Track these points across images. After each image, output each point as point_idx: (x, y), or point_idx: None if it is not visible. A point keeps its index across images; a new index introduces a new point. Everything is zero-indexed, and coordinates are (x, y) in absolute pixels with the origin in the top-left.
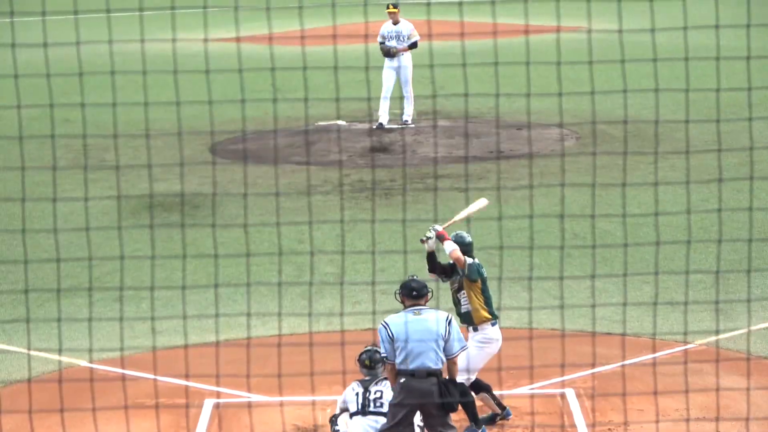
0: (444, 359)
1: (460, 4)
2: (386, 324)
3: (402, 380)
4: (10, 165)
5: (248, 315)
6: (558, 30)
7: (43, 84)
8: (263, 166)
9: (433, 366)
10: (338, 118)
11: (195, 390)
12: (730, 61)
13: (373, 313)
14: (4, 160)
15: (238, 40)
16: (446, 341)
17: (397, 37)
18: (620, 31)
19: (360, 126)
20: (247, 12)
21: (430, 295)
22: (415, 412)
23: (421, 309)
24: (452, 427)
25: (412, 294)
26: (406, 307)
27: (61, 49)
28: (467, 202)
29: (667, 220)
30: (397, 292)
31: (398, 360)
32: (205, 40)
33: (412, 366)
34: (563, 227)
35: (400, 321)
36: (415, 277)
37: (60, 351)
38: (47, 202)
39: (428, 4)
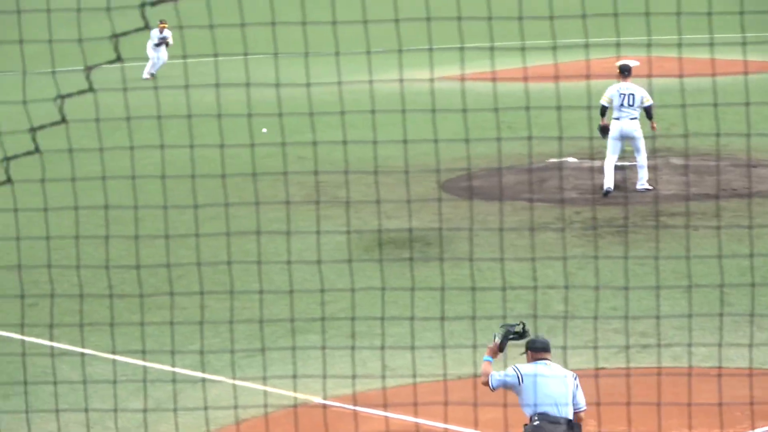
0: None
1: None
2: (517, 370)
3: (536, 422)
4: (246, 200)
5: (474, 347)
6: None
7: (275, 122)
8: (492, 203)
9: (560, 415)
10: (568, 155)
11: (426, 428)
12: None
13: (595, 347)
14: (239, 196)
15: (462, 78)
16: (574, 396)
17: (628, 102)
18: None
19: (591, 163)
20: (472, 51)
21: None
22: None
23: (548, 362)
24: None
25: (540, 348)
26: (531, 359)
27: (293, 89)
28: (688, 241)
29: None
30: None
31: (528, 404)
32: (431, 80)
33: (551, 413)
34: None
35: (531, 371)
36: (543, 337)
37: (294, 387)
38: (281, 237)
39: (679, 45)
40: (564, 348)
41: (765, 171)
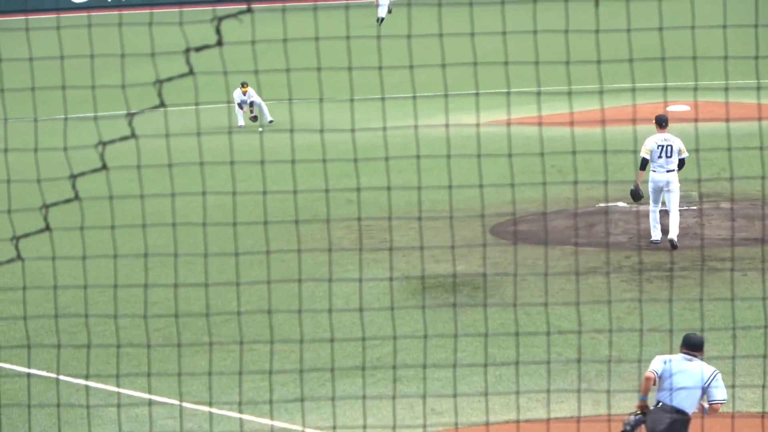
0: (699, 405)
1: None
2: (662, 360)
3: (652, 410)
4: (290, 247)
5: (517, 393)
6: None
7: (319, 168)
8: (538, 247)
9: (681, 407)
10: (617, 200)
11: None
12: None
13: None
14: (288, 242)
15: (508, 122)
16: (707, 388)
17: (666, 153)
18: None
19: (640, 207)
20: (518, 95)
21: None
22: None
23: (692, 358)
24: None
25: (690, 344)
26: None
27: (337, 135)
28: (733, 285)
29: None
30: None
31: (659, 393)
32: (477, 125)
33: (665, 401)
34: None
35: (676, 360)
36: (699, 335)
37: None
38: (324, 283)
39: (726, 89)
40: (608, 392)
41: None
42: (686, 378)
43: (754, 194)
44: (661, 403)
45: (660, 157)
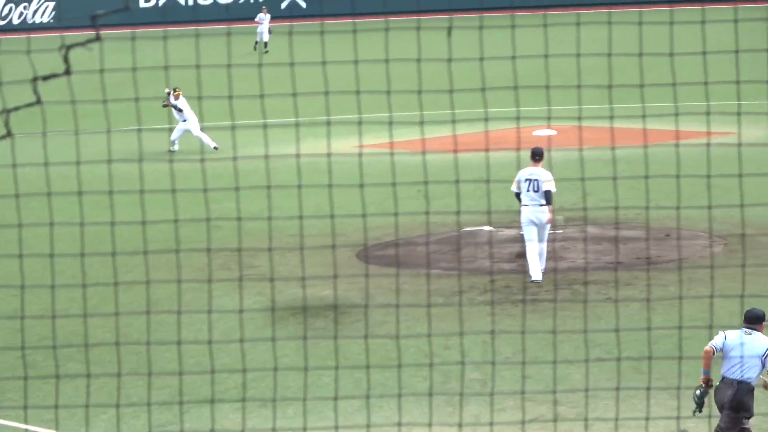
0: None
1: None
2: (725, 334)
3: (717, 385)
4: (168, 278)
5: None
6: (708, 135)
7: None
8: (412, 272)
9: (742, 378)
10: (485, 224)
11: None
12: None
13: (522, 422)
14: (164, 271)
15: (359, 148)
16: (765, 359)
17: (533, 188)
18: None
19: (508, 232)
20: (368, 124)
21: (765, 324)
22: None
23: (753, 331)
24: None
25: (749, 318)
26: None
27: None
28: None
29: None
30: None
31: (723, 367)
32: (361, 153)
33: (727, 374)
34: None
35: (735, 335)
36: (760, 309)
37: None
38: (203, 314)
39: (611, 118)
40: (480, 420)
41: (682, 240)
42: (746, 350)
43: (620, 218)
44: (724, 377)
45: (528, 191)
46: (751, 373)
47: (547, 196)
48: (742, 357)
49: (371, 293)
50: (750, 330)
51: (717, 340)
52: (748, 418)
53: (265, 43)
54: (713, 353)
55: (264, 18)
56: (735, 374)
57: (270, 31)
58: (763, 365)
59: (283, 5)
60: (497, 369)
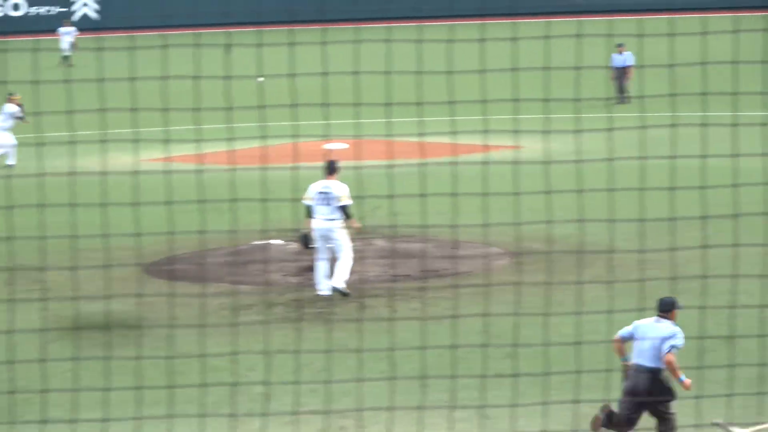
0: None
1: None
2: (635, 322)
3: (629, 373)
4: None
5: None
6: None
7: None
8: (196, 285)
9: (652, 365)
10: (273, 237)
11: None
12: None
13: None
14: None
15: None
16: (665, 342)
17: (327, 199)
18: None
19: (296, 245)
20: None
21: (676, 312)
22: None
23: (662, 319)
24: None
25: (660, 306)
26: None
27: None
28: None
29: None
30: None
31: (633, 355)
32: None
33: (638, 362)
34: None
35: (646, 323)
36: (671, 297)
37: None
38: None
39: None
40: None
41: (467, 251)
42: (652, 337)
43: (406, 231)
44: (636, 365)
45: (320, 204)
46: (657, 360)
47: (345, 210)
48: (651, 344)
49: (155, 307)
50: (660, 318)
51: (624, 330)
52: (670, 401)
53: (67, 57)
54: (622, 341)
55: (67, 32)
56: (643, 361)
57: (74, 45)
58: (661, 350)
59: (75, 17)
60: (278, 386)
